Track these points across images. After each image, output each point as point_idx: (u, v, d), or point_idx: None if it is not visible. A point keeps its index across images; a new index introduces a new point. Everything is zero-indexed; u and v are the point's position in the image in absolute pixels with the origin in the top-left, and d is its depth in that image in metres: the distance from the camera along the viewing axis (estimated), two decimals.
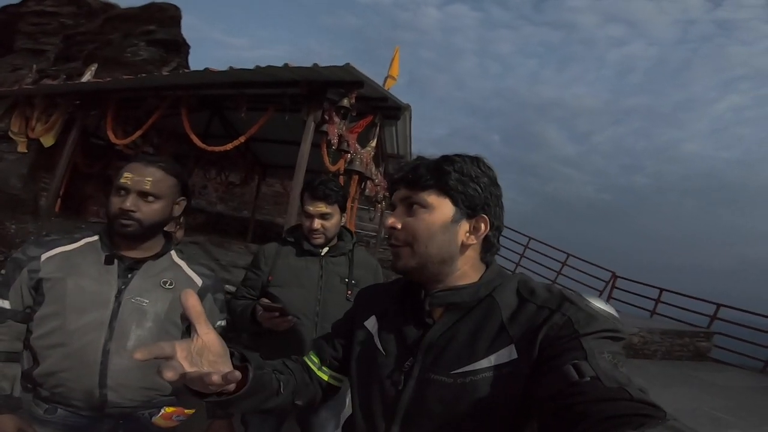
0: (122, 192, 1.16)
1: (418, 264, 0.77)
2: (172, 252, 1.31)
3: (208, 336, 0.64)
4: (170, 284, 1.23)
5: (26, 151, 6.84)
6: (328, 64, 3.61)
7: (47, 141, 6.26)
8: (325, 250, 1.78)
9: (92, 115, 6.07)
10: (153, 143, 7.55)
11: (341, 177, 5.08)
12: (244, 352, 0.73)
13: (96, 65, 6.38)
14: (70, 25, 8.62)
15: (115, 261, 1.18)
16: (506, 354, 0.68)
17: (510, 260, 12.29)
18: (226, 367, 0.64)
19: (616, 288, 11.01)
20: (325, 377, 0.93)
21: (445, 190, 0.77)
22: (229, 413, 1.33)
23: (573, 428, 0.52)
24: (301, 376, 0.90)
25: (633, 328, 7.51)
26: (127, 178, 1.16)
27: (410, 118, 5.16)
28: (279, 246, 1.83)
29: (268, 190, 11.05)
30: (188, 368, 0.59)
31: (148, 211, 1.17)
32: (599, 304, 0.69)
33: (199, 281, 1.31)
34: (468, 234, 0.78)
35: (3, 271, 1.18)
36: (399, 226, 0.79)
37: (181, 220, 2.16)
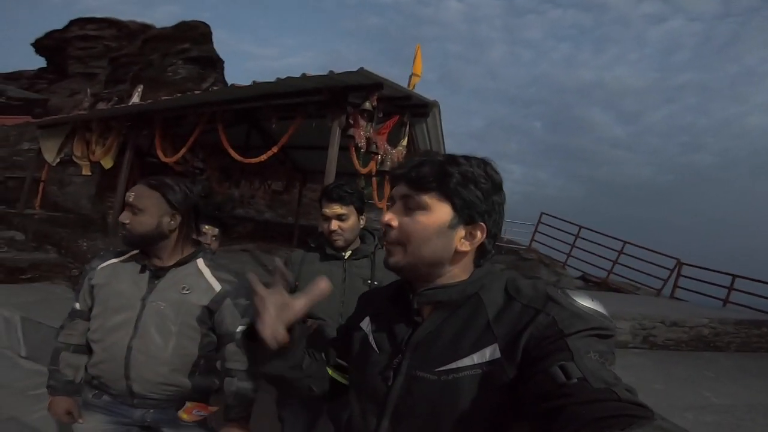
0: (126, 207, 1.37)
1: (408, 264, 0.77)
2: (199, 260, 1.44)
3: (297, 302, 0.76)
4: (187, 289, 1.37)
5: (90, 173, 7.46)
6: (351, 68, 3.64)
7: (107, 163, 6.79)
8: (348, 253, 1.84)
9: (143, 135, 6.54)
10: (200, 158, 8.02)
11: (374, 179, 5.10)
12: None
13: (141, 86, 6.86)
14: (114, 48, 9.35)
15: (146, 270, 1.38)
16: (490, 352, 0.68)
17: (560, 251, 11.72)
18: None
19: (683, 276, 10.12)
20: (332, 374, 0.97)
21: (445, 194, 0.75)
22: (244, 415, 1.41)
23: (561, 430, 0.51)
24: (321, 367, 0.95)
25: (702, 318, 6.94)
26: (128, 196, 1.37)
27: (439, 113, 5.09)
28: (305, 253, 1.91)
29: (312, 195, 11.36)
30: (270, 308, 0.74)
31: (136, 223, 1.33)
32: (585, 302, 0.68)
33: (218, 287, 1.40)
34: (463, 240, 0.76)
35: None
36: (395, 224, 0.78)
37: (216, 233, 2.29)
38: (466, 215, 0.75)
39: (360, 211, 1.85)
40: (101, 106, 7.34)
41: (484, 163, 0.77)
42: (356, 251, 1.85)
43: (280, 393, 1.85)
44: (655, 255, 10.61)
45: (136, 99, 6.56)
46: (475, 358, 0.69)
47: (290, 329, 0.79)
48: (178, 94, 5.56)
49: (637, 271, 10.65)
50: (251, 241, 9.08)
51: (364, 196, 1.94)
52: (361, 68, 3.46)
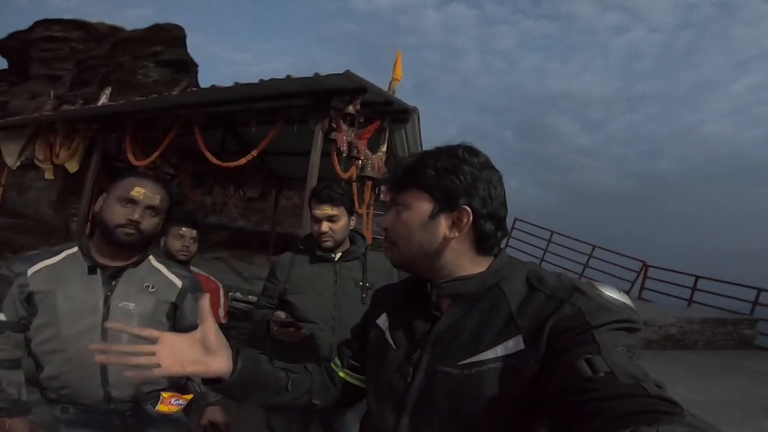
0: (129, 204, 1.26)
1: (405, 260, 0.81)
2: (150, 258, 1.40)
3: (208, 332, 0.75)
4: (153, 288, 1.34)
5: (53, 177, 7.05)
6: (330, 73, 3.61)
7: (72, 167, 6.45)
8: (338, 255, 1.82)
9: (112, 138, 6.26)
10: (172, 163, 7.76)
11: (355, 184, 5.08)
12: (241, 348, 0.80)
13: (110, 89, 6.55)
14: (80, 50, 8.97)
15: (98, 270, 1.27)
16: (513, 344, 0.66)
17: (534, 256, 12.02)
18: (219, 361, 0.74)
19: (649, 278, 10.58)
20: (346, 377, 0.96)
21: (423, 188, 0.77)
22: (220, 397, 1.43)
23: (587, 424, 0.50)
24: (320, 378, 0.94)
25: (670, 318, 7.24)
26: (138, 192, 1.26)
27: (419, 119, 5.12)
28: (293, 255, 1.88)
29: (287, 203, 11.21)
30: (166, 360, 0.71)
31: (149, 224, 1.29)
32: (612, 294, 0.66)
33: (179, 283, 1.41)
34: (451, 227, 0.76)
35: None
36: (389, 227, 0.83)
37: (195, 235, 2.22)
38: (445, 203, 0.76)
39: (350, 213, 1.83)
40: (66, 108, 6.99)
41: (455, 148, 0.77)
42: (347, 253, 1.83)
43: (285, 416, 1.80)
44: (622, 258, 11.10)
45: (104, 101, 6.28)
46: (499, 351, 0.67)
47: (235, 359, 0.78)
48: (154, 96, 5.37)
49: (606, 273, 11.09)
50: (225, 249, 8.85)
51: (353, 197, 1.94)
52: (347, 71, 3.45)
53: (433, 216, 0.76)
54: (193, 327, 1.29)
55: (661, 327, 6.92)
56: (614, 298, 0.66)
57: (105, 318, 1.24)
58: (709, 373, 5.22)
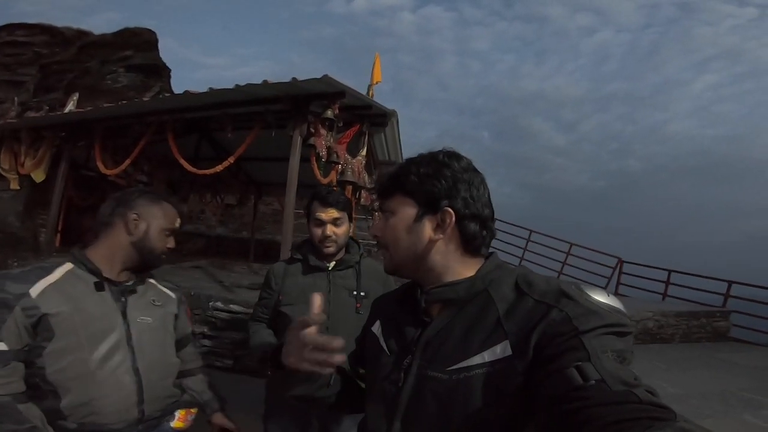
0: (172, 233, 1.35)
1: (396, 264, 0.83)
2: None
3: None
4: (158, 301, 1.36)
5: (18, 187, 6.80)
6: (308, 77, 3.57)
7: (38, 176, 6.24)
8: (332, 264, 1.79)
9: (80, 146, 6.06)
10: (144, 171, 7.54)
11: (335, 188, 5.03)
12: None
13: (77, 94, 6.34)
14: (45, 55, 8.62)
15: (102, 286, 1.23)
16: (500, 350, 0.66)
17: (514, 255, 12.20)
18: None
19: (624, 273, 10.87)
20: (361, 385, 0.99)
21: (406, 193, 0.80)
22: (222, 404, 1.49)
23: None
24: (351, 381, 1.00)
25: (646, 312, 7.42)
26: (179, 223, 1.37)
27: (397, 123, 5.12)
28: (287, 264, 1.85)
29: (266, 209, 11.05)
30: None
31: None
32: (601, 297, 0.66)
33: (173, 295, 1.45)
34: (434, 229, 0.78)
35: None
36: (379, 234, 0.84)
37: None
38: (428, 206, 0.78)
39: (350, 218, 1.81)
40: (30, 115, 6.71)
41: (437, 154, 0.80)
42: (340, 262, 1.80)
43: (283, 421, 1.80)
44: (598, 255, 11.40)
45: (71, 107, 6.06)
46: (486, 356, 0.67)
47: None
48: (123, 102, 5.20)
49: (584, 270, 11.36)
50: (204, 257, 8.65)
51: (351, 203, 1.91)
52: (325, 75, 3.41)
53: (418, 219, 0.78)
54: (187, 337, 1.45)
55: (639, 321, 7.08)
56: (603, 302, 0.65)
57: (128, 334, 1.22)
58: (687, 366, 5.36)
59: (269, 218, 11.16)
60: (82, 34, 8.99)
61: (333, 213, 1.71)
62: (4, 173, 6.56)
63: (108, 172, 5.58)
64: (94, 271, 1.23)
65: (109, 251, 1.27)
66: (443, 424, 0.69)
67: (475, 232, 0.77)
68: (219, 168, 4.72)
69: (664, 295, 10.01)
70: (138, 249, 1.28)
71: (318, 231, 1.73)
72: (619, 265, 10.97)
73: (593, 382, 0.53)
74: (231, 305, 4.51)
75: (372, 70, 4.75)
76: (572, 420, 0.52)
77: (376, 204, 0.89)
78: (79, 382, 1.13)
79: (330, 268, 1.78)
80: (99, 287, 1.21)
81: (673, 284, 9.99)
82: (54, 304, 1.14)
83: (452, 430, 0.68)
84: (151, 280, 1.41)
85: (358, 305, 1.72)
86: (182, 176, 6.88)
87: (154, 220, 1.30)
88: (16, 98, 8.02)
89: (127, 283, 1.29)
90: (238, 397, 2.17)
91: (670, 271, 10.13)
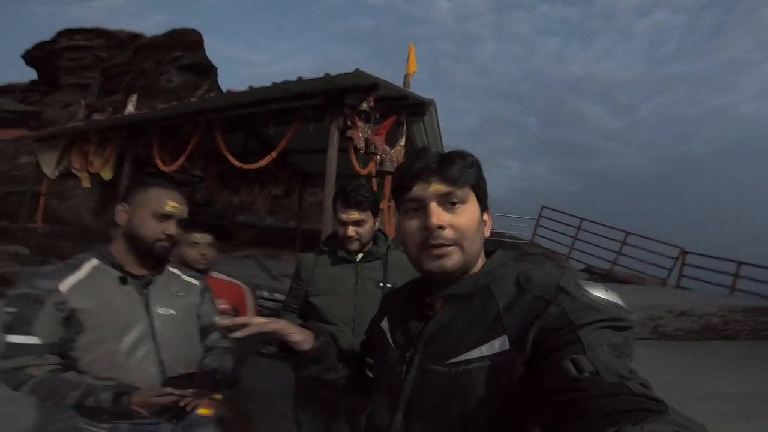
0: (165, 218, 1.28)
1: (466, 262, 0.75)
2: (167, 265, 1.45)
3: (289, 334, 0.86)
4: (180, 292, 1.39)
5: (90, 185, 7.40)
6: (345, 71, 3.63)
7: (106, 174, 6.73)
8: (360, 256, 1.82)
9: (140, 145, 6.50)
10: (199, 166, 7.98)
11: (374, 179, 5.08)
12: (315, 326, 0.96)
13: (136, 95, 6.75)
14: (104, 58, 9.28)
15: (128, 280, 1.29)
16: (499, 344, 0.68)
17: (562, 244, 11.68)
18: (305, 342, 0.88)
19: (687, 265, 10.10)
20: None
21: (472, 186, 0.77)
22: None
23: (573, 425, 0.51)
24: (360, 367, 1.00)
25: (710, 307, 6.90)
26: (173, 207, 1.29)
27: (436, 112, 5.06)
28: (316, 256, 1.90)
29: (312, 199, 11.33)
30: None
31: (179, 234, 1.34)
32: (599, 293, 0.67)
33: (198, 284, 1.48)
34: (485, 229, 0.81)
35: (12, 310, 1.17)
36: (445, 225, 0.73)
37: (211, 240, 2.14)
38: (483, 204, 0.79)
39: (375, 215, 1.82)
40: (97, 116, 7.28)
41: (465, 152, 0.80)
42: (368, 253, 1.83)
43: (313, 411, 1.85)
44: (658, 244, 10.59)
45: (130, 108, 6.50)
46: (484, 350, 0.68)
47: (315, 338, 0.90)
48: (174, 103, 5.53)
49: (641, 261, 10.64)
50: (254, 247, 9.06)
51: (379, 198, 1.92)
52: (357, 69, 3.44)
53: (480, 216, 0.78)
54: (214, 324, 1.42)
55: (701, 317, 6.60)
56: (600, 297, 0.65)
57: (152, 326, 1.27)
58: (749, 364, 4.95)
59: (315, 208, 11.46)
60: (135, 36, 9.61)
61: (354, 215, 1.73)
62: (76, 172, 7.14)
63: (166, 168, 5.93)
64: (118, 266, 1.28)
65: (120, 246, 1.31)
66: (444, 417, 0.70)
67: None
68: (263, 162, 4.91)
69: (733, 288, 9.23)
70: (129, 238, 1.28)
71: (341, 230, 1.77)
72: (681, 256, 10.20)
73: (587, 374, 0.54)
74: (275, 294, 4.71)
75: (407, 60, 4.71)
76: (568, 412, 0.52)
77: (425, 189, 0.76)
78: (111, 372, 1.20)
79: (358, 260, 1.81)
80: (123, 281, 1.26)
81: (743, 277, 9.18)
82: (82, 299, 1.20)
83: (452, 423, 0.69)
84: (175, 271, 1.45)
85: None
86: (232, 170, 7.21)
87: (140, 208, 1.27)
88: (82, 101, 8.73)
89: (149, 276, 1.32)
90: (279, 383, 2.26)
91: (740, 263, 9.32)
